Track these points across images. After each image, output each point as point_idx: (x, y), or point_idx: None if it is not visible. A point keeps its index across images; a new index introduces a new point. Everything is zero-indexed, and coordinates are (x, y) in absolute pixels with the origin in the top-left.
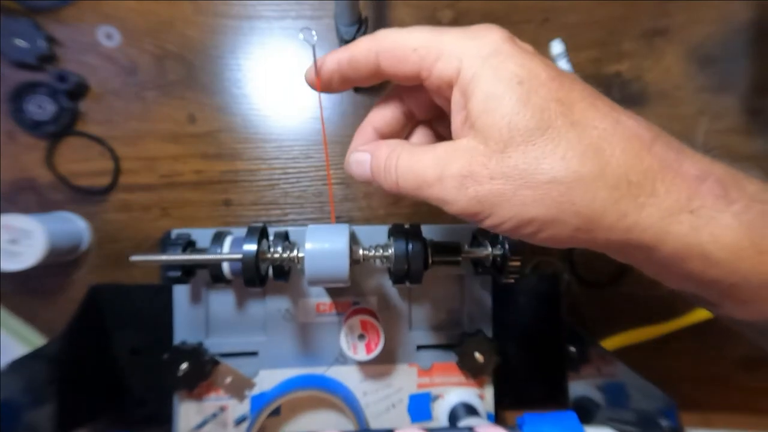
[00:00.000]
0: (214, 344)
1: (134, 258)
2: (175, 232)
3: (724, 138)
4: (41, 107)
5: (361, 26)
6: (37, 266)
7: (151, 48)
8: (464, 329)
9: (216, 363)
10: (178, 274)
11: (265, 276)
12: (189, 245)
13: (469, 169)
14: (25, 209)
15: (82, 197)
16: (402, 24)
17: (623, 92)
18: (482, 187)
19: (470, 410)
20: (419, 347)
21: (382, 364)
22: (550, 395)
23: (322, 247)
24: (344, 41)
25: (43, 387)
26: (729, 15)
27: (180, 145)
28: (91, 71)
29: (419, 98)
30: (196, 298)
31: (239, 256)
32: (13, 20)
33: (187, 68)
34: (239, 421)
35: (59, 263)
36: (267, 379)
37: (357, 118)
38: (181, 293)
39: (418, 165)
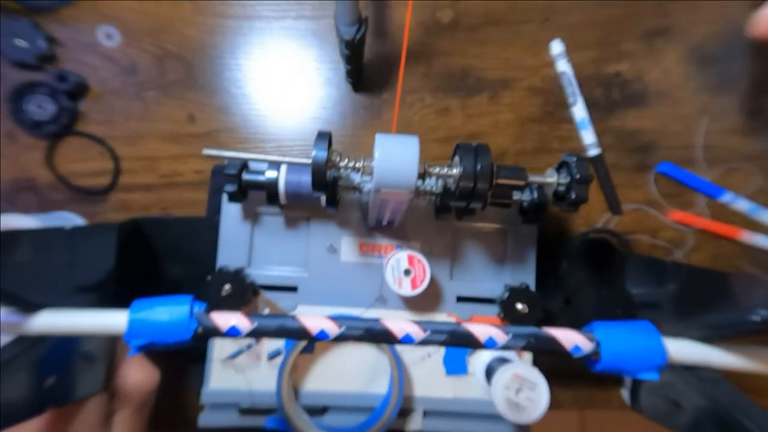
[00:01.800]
0: (255, 276)
1: (207, 151)
2: (226, 161)
3: (724, 138)
4: (41, 107)
5: (361, 26)
6: None
7: (151, 48)
8: (507, 283)
9: (256, 292)
10: (234, 188)
11: (331, 184)
12: (244, 167)
13: None
14: (25, 209)
15: (82, 197)
16: (401, 24)
17: (623, 92)
18: None
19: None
20: (459, 299)
21: (421, 311)
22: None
23: (394, 150)
24: (344, 41)
25: None
26: (729, 15)
27: (180, 145)
28: (91, 71)
29: None
30: (243, 222)
31: (308, 161)
32: (13, 20)
33: (186, 68)
34: (273, 356)
35: None
36: (301, 340)
37: (357, 117)
38: (229, 214)
39: None
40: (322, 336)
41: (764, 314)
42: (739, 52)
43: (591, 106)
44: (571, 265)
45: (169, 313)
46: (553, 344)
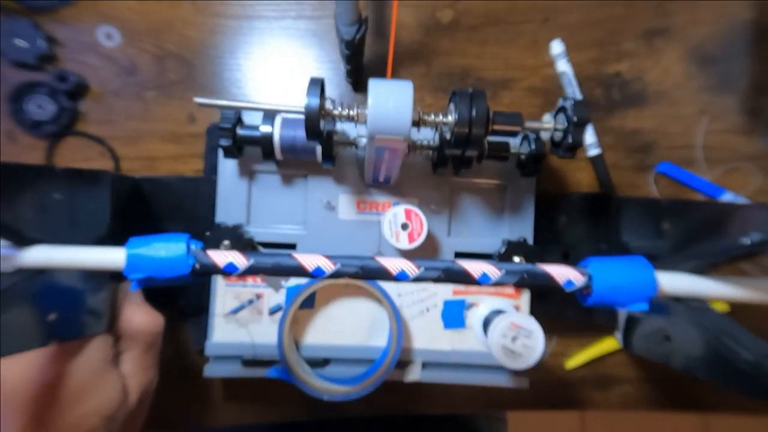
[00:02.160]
0: (254, 233)
1: (199, 100)
2: (222, 113)
3: (724, 138)
4: (41, 107)
5: (361, 26)
6: None
7: (151, 48)
8: (504, 237)
9: (255, 249)
10: (229, 142)
11: (326, 134)
12: (238, 122)
13: None
14: None
15: None
16: (401, 24)
17: (623, 92)
18: None
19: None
20: (457, 254)
21: None
22: (588, 318)
23: (388, 94)
24: (344, 41)
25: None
26: (729, 15)
27: (180, 145)
28: (91, 71)
29: None
30: (240, 179)
31: (301, 109)
32: (13, 20)
33: (186, 68)
34: (274, 310)
35: None
36: (298, 278)
37: None
38: (226, 170)
39: None
40: (318, 273)
41: (755, 237)
42: (739, 52)
43: (591, 106)
44: (569, 220)
45: (165, 249)
46: (546, 279)
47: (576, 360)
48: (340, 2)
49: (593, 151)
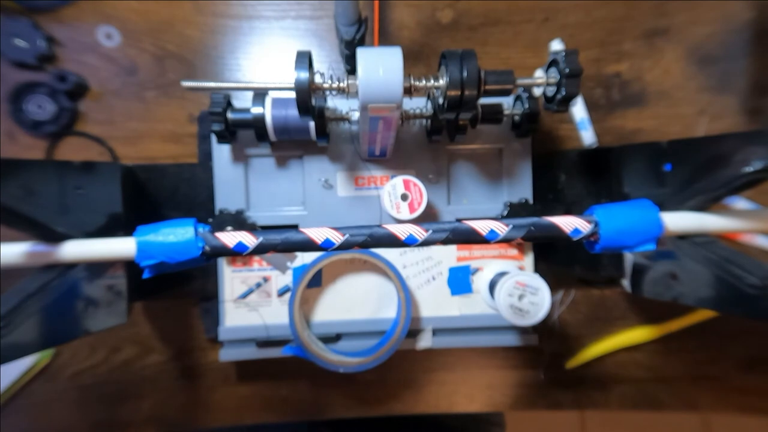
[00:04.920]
0: (256, 217)
1: (186, 83)
2: (212, 98)
3: None
4: (41, 107)
5: (361, 26)
6: None
7: (151, 48)
8: (506, 200)
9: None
10: (221, 127)
11: (318, 111)
12: (229, 105)
13: None
14: None
15: None
16: (401, 24)
17: (623, 92)
18: None
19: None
20: (458, 221)
21: None
22: (594, 270)
23: (378, 61)
24: (344, 41)
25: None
26: (729, 15)
27: (180, 144)
28: (91, 71)
29: None
30: (236, 164)
31: (290, 84)
32: (13, 20)
33: (187, 68)
34: (282, 292)
35: None
36: (308, 252)
37: None
38: (221, 156)
39: None
40: (327, 244)
41: (757, 165)
42: (739, 52)
43: (591, 106)
44: (568, 178)
45: (174, 234)
46: (553, 230)
47: (576, 360)
48: (340, 2)
49: None
